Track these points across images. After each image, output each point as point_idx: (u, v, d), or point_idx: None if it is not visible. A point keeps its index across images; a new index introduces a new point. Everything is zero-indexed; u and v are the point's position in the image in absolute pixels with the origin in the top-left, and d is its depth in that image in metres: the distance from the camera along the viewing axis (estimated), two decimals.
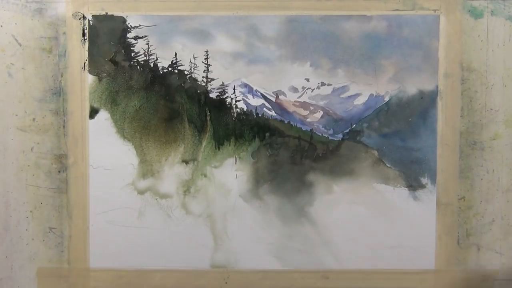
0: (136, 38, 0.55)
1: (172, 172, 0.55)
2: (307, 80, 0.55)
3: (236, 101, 0.55)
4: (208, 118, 0.55)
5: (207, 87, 0.55)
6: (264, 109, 0.55)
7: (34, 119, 0.55)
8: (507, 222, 0.56)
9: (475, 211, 0.55)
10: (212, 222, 0.55)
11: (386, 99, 0.55)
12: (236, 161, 0.55)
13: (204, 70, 0.55)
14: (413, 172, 0.55)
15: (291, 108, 0.55)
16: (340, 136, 0.55)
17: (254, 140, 0.55)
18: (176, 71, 0.55)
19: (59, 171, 0.55)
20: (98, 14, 0.54)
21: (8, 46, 0.54)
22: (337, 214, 0.55)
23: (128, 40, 0.55)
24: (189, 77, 0.55)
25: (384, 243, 0.56)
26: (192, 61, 0.55)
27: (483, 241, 0.56)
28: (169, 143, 0.55)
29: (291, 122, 0.55)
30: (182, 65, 0.55)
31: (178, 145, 0.55)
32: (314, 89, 0.55)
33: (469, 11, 0.54)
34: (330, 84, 0.55)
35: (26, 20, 0.54)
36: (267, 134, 0.55)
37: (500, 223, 0.56)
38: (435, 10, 0.54)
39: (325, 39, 0.55)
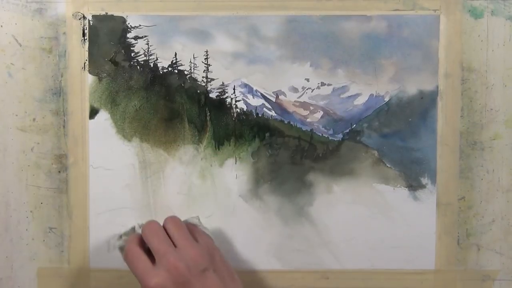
0: (136, 38, 0.55)
1: (172, 172, 0.55)
2: (307, 80, 0.55)
3: (236, 101, 0.55)
4: (208, 118, 0.55)
5: (207, 87, 0.55)
6: (264, 109, 0.55)
7: (34, 119, 0.55)
8: (507, 222, 0.56)
9: (475, 211, 0.55)
10: (212, 223, 0.55)
11: (386, 99, 0.55)
12: (236, 161, 0.55)
13: (204, 70, 0.55)
14: (413, 172, 0.55)
15: (291, 108, 0.55)
16: (340, 136, 0.55)
17: (254, 140, 0.55)
18: (176, 71, 0.55)
19: (59, 171, 0.55)
20: (98, 14, 0.54)
21: (8, 46, 0.54)
22: (337, 214, 0.55)
23: (128, 40, 0.55)
24: (189, 77, 0.55)
25: (384, 243, 0.56)
26: (192, 61, 0.55)
27: (483, 241, 0.56)
28: (169, 143, 0.55)
29: (291, 122, 0.55)
30: (182, 65, 0.55)
31: (178, 145, 0.55)
32: (314, 89, 0.55)
33: (469, 11, 0.54)
34: (330, 84, 0.55)
35: (26, 20, 0.54)
36: (267, 134, 0.55)
37: (500, 223, 0.56)
38: (435, 10, 0.54)
39: (325, 39, 0.55)
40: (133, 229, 0.52)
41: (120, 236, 0.52)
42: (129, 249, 0.48)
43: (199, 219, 0.53)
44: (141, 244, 0.48)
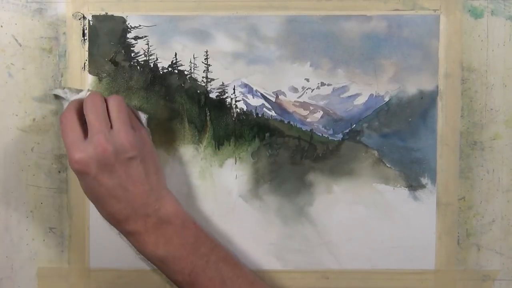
0: (136, 38, 0.55)
1: (172, 172, 0.55)
2: (307, 80, 0.55)
3: (236, 101, 0.55)
4: (208, 118, 0.55)
5: (207, 87, 0.55)
6: (264, 109, 0.55)
7: (34, 119, 0.55)
8: (507, 222, 0.56)
9: (475, 211, 0.55)
10: (212, 223, 0.55)
11: (386, 99, 0.55)
12: (236, 161, 0.55)
13: (204, 70, 0.55)
14: (413, 172, 0.55)
15: (291, 108, 0.55)
16: (340, 136, 0.55)
17: (254, 140, 0.55)
18: (176, 71, 0.55)
19: (59, 171, 0.55)
20: (98, 14, 0.54)
21: (8, 46, 0.54)
22: (337, 214, 0.55)
23: (128, 40, 0.55)
24: (189, 77, 0.55)
25: (384, 243, 0.56)
26: (192, 61, 0.55)
27: (483, 241, 0.56)
28: (169, 143, 0.55)
29: (291, 122, 0.56)
30: (182, 65, 0.55)
31: (178, 145, 0.55)
32: (314, 89, 0.55)
33: (469, 11, 0.54)
34: (330, 84, 0.55)
35: (26, 20, 0.54)
36: (267, 134, 0.55)
37: (500, 223, 0.56)
38: (435, 10, 0.54)
39: (325, 39, 0.55)
40: (78, 90, 0.52)
41: (63, 88, 0.52)
42: (65, 115, 0.47)
43: (146, 118, 0.52)
44: (80, 113, 0.48)
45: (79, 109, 0.48)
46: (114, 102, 0.48)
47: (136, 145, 0.47)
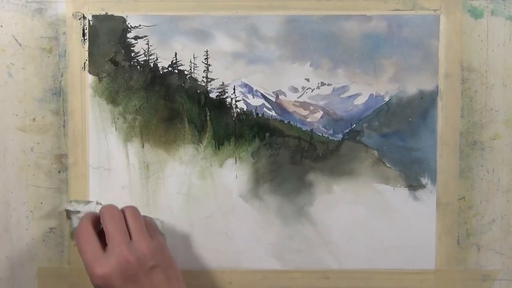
0: (136, 38, 0.55)
1: (172, 172, 0.55)
2: (307, 80, 0.55)
3: (236, 101, 0.55)
4: (208, 118, 0.55)
5: (207, 87, 0.55)
6: (264, 109, 0.55)
7: (34, 119, 0.55)
8: (507, 222, 0.56)
9: (475, 211, 0.55)
10: (212, 223, 0.55)
11: (386, 99, 0.55)
12: (236, 161, 0.55)
13: (204, 70, 0.55)
14: (413, 172, 0.55)
15: (291, 108, 0.55)
16: (340, 136, 0.55)
17: (254, 140, 0.55)
18: (176, 71, 0.55)
19: (59, 171, 0.55)
20: (98, 14, 0.54)
21: (8, 46, 0.54)
22: (337, 214, 0.55)
23: (128, 40, 0.55)
24: (189, 77, 0.55)
25: (384, 243, 0.56)
26: (192, 61, 0.55)
27: (483, 241, 0.56)
28: (169, 143, 0.55)
29: (291, 122, 0.56)
30: (182, 65, 0.55)
31: (178, 145, 0.55)
32: (314, 89, 0.55)
33: (469, 11, 0.54)
34: (330, 84, 0.55)
35: (26, 20, 0.54)
36: (267, 134, 0.55)
37: (500, 223, 0.56)
38: (435, 10, 0.54)
39: (325, 39, 0.55)
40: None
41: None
42: (81, 230, 0.48)
43: (162, 224, 0.54)
44: (95, 225, 0.49)
45: (93, 222, 0.49)
46: (131, 213, 0.49)
47: (156, 253, 0.47)
